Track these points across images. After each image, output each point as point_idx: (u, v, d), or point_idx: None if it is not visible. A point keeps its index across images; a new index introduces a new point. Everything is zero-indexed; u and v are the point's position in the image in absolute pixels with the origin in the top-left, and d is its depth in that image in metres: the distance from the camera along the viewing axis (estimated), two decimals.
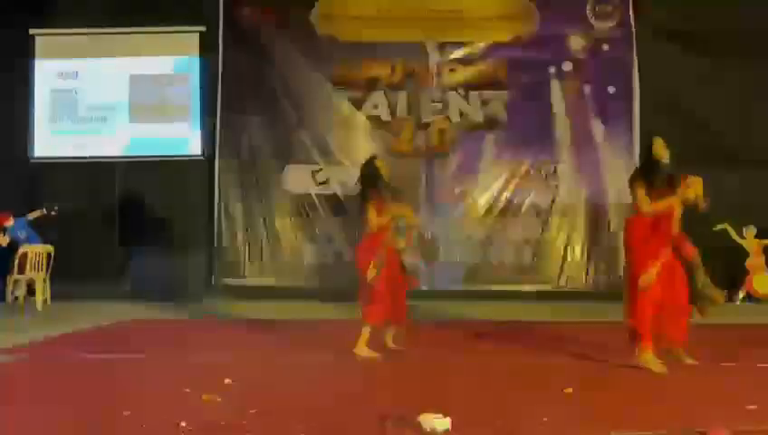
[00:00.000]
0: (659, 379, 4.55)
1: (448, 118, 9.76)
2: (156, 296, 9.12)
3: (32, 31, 9.99)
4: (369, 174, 5.53)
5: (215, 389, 4.11)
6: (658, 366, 4.70)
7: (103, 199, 9.87)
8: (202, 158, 9.86)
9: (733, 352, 5.45)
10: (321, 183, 9.73)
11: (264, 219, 9.76)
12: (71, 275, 9.18)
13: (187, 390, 4.13)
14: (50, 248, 8.89)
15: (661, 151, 5.09)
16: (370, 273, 5.24)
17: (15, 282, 8.90)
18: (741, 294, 9.07)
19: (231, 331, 6.97)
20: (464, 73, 9.77)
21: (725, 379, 4.60)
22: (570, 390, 4.12)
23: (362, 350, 5.28)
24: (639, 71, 9.44)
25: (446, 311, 7.93)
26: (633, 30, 9.52)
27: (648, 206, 4.90)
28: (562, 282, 9.44)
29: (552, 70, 9.61)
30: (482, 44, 9.76)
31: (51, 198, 9.51)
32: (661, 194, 4.92)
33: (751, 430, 3.37)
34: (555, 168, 9.57)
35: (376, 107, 9.81)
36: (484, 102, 9.74)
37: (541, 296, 9.17)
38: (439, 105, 9.78)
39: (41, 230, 9.25)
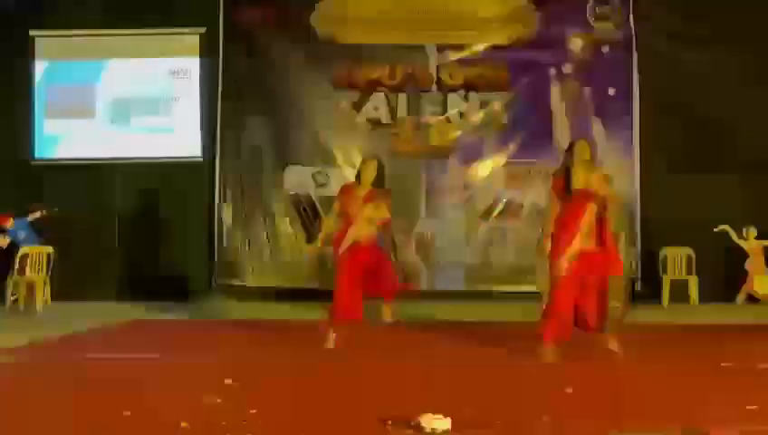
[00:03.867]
0: (659, 379, 4.55)
1: (448, 119, 9.77)
2: (156, 297, 9.13)
3: (32, 32, 9.98)
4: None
5: (215, 389, 4.11)
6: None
7: (103, 200, 9.86)
8: (202, 158, 9.87)
9: (733, 352, 5.45)
10: (320, 184, 9.73)
11: (264, 219, 9.74)
12: (71, 276, 9.19)
13: (187, 390, 4.13)
14: (50, 249, 8.89)
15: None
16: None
17: (15, 283, 8.91)
18: (741, 295, 9.06)
19: (231, 331, 6.97)
20: (464, 75, 9.76)
21: (725, 379, 4.59)
22: (570, 390, 4.12)
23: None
24: (639, 72, 9.44)
25: (446, 311, 7.93)
26: (633, 31, 9.52)
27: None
28: None
29: (553, 71, 9.61)
30: (482, 46, 9.75)
31: (51, 199, 9.50)
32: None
33: (751, 429, 3.37)
34: (555, 168, 9.54)
35: (376, 109, 9.80)
36: (484, 104, 9.73)
37: (541, 297, 9.14)
38: (439, 107, 9.78)
39: (41, 231, 9.25)
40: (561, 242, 5.09)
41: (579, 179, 5.21)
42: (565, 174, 5.32)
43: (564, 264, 5.00)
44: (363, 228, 5.78)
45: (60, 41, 10.11)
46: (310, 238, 9.65)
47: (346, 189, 5.99)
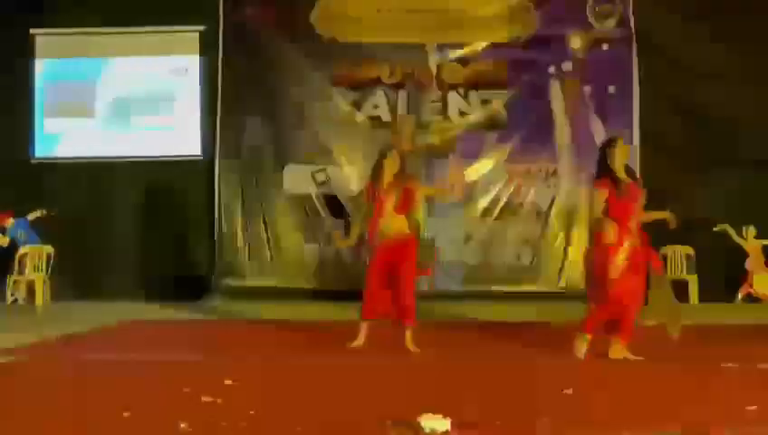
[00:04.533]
0: (659, 379, 4.55)
1: (448, 118, 9.77)
2: (156, 297, 9.13)
3: (32, 31, 9.98)
4: None
5: (215, 389, 4.11)
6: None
7: (103, 199, 9.86)
8: (202, 158, 9.87)
9: (733, 352, 5.44)
10: (321, 183, 9.73)
11: (264, 219, 9.74)
12: (71, 276, 9.19)
13: (187, 390, 4.13)
14: (50, 249, 8.90)
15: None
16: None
17: (15, 282, 8.91)
18: (741, 295, 9.07)
19: (231, 331, 6.97)
20: (464, 73, 9.76)
21: (726, 379, 4.59)
22: (570, 390, 4.12)
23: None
24: (639, 71, 9.44)
25: (446, 311, 7.93)
26: (633, 29, 9.51)
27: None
28: (562, 282, 9.42)
29: (552, 70, 9.61)
30: (482, 45, 9.75)
31: (51, 198, 9.51)
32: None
33: (751, 430, 3.37)
34: (555, 167, 9.57)
35: (376, 107, 9.80)
36: (484, 102, 9.74)
37: (541, 296, 9.16)
38: (439, 105, 9.77)
39: (41, 230, 9.25)
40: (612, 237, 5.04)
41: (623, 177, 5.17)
42: (611, 175, 5.14)
43: (619, 266, 5.00)
44: (391, 223, 5.65)
45: (60, 39, 10.11)
46: (311, 237, 9.68)
47: (369, 187, 5.80)
